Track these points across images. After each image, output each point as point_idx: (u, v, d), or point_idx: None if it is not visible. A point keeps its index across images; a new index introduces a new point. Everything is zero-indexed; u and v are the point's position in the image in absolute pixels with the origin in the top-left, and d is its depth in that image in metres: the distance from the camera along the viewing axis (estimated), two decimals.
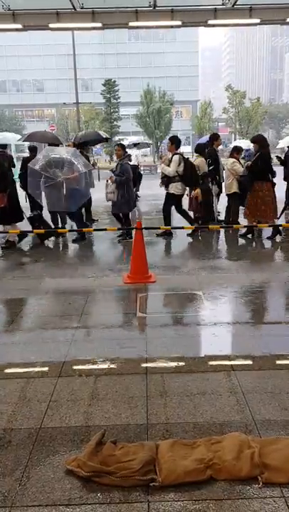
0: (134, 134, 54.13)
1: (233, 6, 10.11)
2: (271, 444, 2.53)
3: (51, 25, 10.73)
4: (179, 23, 10.72)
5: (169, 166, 8.41)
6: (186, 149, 40.48)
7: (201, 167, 8.94)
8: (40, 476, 2.41)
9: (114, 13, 10.57)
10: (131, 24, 10.78)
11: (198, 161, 9.09)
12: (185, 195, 8.95)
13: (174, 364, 3.61)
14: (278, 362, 3.62)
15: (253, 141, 8.48)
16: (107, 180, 8.50)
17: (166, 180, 8.56)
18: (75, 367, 3.61)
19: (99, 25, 10.77)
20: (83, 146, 11.10)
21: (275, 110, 66.20)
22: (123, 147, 8.82)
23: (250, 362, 3.63)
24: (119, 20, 10.81)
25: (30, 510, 2.19)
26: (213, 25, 11.04)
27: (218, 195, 9.67)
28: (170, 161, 8.43)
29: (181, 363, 3.62)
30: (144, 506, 2.19)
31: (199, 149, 9.51)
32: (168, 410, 2.96)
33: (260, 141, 8.21)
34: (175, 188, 8.47)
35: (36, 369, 3.59)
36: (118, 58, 71.49)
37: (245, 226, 8.44)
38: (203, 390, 3.20)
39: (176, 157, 8.38)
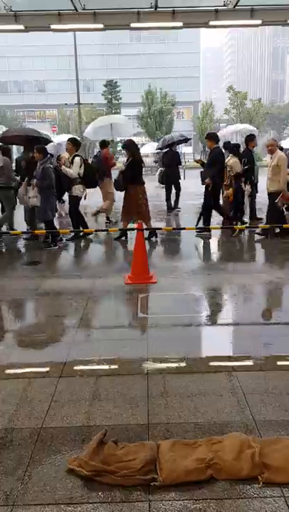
0: (136, 135, 54.11)
1: (234, 7, 10.09)
2: (271, 444, 2.54)
3: (53, 26, 10.72)
4: (180, 24, 10.71)
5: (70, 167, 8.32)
6: (187, 150, 40.54)
7: (234, 167, 8.97)
8: (42, 475, 2.42)
9: (116, 14, 10.57)
10: (132, 25, 10.77)
11: (232, 161, 9.10)
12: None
13: (174, 364, 3.62)
14: (279, 363, 3.63)
15: (124, 147, 8.46)
16: (30, 184, 8.39)
17: (68, 183, 8.47)
18: (76, 367, 3.62)
19: (100, 26, 10.76)
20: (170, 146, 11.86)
21: (276, 111, 66.07)
22: (43, 150, 8.02)
23: (250, 362, 3.64)
24: (120, 21, 10.80)
25: (32, 508, 2.21)
26: (215, 27, 11.01)
27: (250, 196, 9.75)
28: (71, 162, 8.34)
29: (182, 364, 3.63)
30: (145, 505, 2.20)
31: (233, 150, 9.51)
32: (169, 410, 2.97)
33: (131, 147, 8.22)
34: (78, 190, 8.45)
35: (38, 369, 3.61)
36: (120, 59, 71.51)
37: (247, 227, 8.46)
38: (204, 390, 3.21)
39: (77, 159, 8.34)
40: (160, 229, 8.42)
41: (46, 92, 72.39)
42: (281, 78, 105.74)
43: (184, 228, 8.63)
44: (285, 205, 8.24)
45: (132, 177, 8.04)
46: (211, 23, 10.61)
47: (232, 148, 9.63)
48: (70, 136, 12.58)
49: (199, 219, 9.00)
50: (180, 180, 12.35)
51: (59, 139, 17.48)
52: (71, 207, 8.74)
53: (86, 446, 2.59)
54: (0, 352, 3.97)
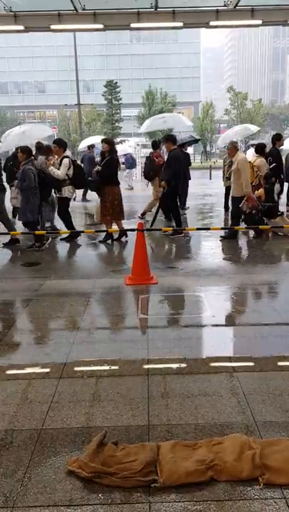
0: (136, 136, 54.13)
1: (234, 7, 10.10)
2: (272, 446, 2.53)
3: (53, 27, 10.74)
4: (180, 24, 10.72)
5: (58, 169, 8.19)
6: (189, 150, 40.46)
7: (260, 167, 8.93)
8: (42, 476, 2.41)
9: (116, 15, 10.57)
10: (132, 25, 10.78)
11: (258, 161, 9.07)
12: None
13: (175, 365, 3.61)
14: (280, 363, 3.62)
15: (104, 141, 8.48)
16: (12, 185, 8.36)
17: (57, 185, 8.35)
18: (76, 368, 3.61)
19: (100, 26, 10.78)
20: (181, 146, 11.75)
21: (276, 111, 66.13)
22: (26, 151, 7.95)
23: (251, 363, 3.63)
24: (120, 21, 10.81)
25: (32, 510, 2.20)
26: (215, 27, 11.03)
27: (279, 194, 9.82)
28: (60, 164, 8.26)
29: (183, 365, 3.62)
30: (145, 507, 2.19)
31: (259, 149, 9.48)
32: (169, 411, 2.96)
33: (110, 145, 8.21)
34: (68, 191, 8.35)
35: (38, 370, 3.60)
36: (120, 59, 71.56)
37: (247, 228, 8.44)
38: (204, 391, 3.20)
39: (65, 160, 8.23)
40: (160, 229, 8.40)
41: (46, 93, 72.46)
42: (281, 78, 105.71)
43: (184, 229, 8.62)
44: (251, 209, 8.20)
45: (109, 177, 8.00)
46: (212, 23, 10.63)
47: (258, 148, 9.62)
48: (102, 136, 12.74)
49: (177, 223, 8.98)
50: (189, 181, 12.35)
51: (91, 141, 17.55)
52: (60, 208, 8.65)
53: (86, 447, 2.58)
54: (0, 352, 3.97)
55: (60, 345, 4.06)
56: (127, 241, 8.32)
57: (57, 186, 8.42)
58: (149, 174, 10.42)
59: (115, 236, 8.42)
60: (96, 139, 18.10)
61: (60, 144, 8.50)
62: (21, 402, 3.13)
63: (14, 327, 4.58)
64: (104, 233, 8.41)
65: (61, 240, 8.62)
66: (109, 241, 8.41)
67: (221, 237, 8.40)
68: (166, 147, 9.07)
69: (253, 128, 15.84)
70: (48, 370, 3.60)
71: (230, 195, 8.25)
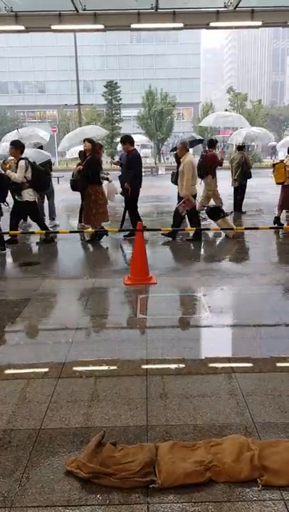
0: (135, 136, 54.05)
1: (234, 8, 10.11)
2: (271, 447, 2.53)
3: (53, 27, 10.74)
4: (180, 25, 10.73)
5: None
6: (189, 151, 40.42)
7: None
8: (40, 477, 2.41)
9: (117, 15, 10.58)
10: (133, 26, 10.79)
11: None
12: None
13: (174, 366, 3.61)
14: (278, 364, 3.62)
15: (86, 140, 8.43)
16: None
17: (16, 188, 8.04)
18: (75, 368, 3.61)
19: (101, 27, 10.78)
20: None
21: (276, 112, 66.12)
22: None
23: (250, 364, 3.63)
24: (121, 22, 10.82)
25: (30, 510, 2.19)
26: (215, 28, 11.04)
27: None
28: (16, 166, 7.96)
29: (181, 365, 3.62)
30: (143, 508, 2.19)
31: None
32: (168, 412, 2.96)
33: (92, 145, 8.15)
34: (28, 195, 8.05)
35: (36, 370, 3.60)
36: (120, 60, 71.56)
37: (246, 228, 8.45)
38: (203, 392, 3.20)
39: (21, 162, 7.85)
40: (159, 230, 8.40)
41: (46, 93, 72.42)
42: (281, 80, 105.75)
43: (183, 229, 8.61)
44: (186, 212, 8.22)
45: (90, 176, 7.94)
46: (212, 24, 10.64)
47: None
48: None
49: (123, 222, 9.00)
50: None
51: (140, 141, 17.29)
52: (29, 213, 8.50)
53: (84, 447, 2.58)
54: None
55: (59, 345, 4.05)
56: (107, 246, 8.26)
57: (16, 190, 8.07)
58: (202, 172, 10.48)
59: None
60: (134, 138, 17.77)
61: (17, 146, 8.06)
62: (20, 402, 3.12)
63: (13, 326, 4.57)
64: (98, 233, 8.33)
65: (38, 243, 8.50)
66: (101, 240, 8.40)
67: (187, 239, 8.43)
68: (124, 148, 8.79)
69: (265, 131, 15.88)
70: (46, 369, 3.59)
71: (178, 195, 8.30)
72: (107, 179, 9.81)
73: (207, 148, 10.89)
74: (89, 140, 8.50)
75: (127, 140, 8.69)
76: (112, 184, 9.97)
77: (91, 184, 8.02)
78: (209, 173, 10.56)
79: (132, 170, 8.56)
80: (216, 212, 8.70)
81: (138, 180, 8.68)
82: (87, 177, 7.97)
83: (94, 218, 8.21)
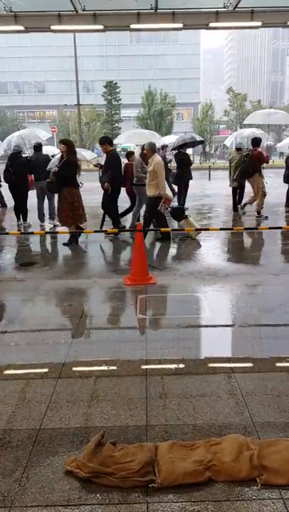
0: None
1: (234, 8, 10.12)
2: (270, 446, 2.53)
3: (53, 27, 10.74)
4: (180, 25, 10.73)
5: None
6: (186, 151, 40.46)
7: None
8: (40, 476, 2.41)
9: (116, 16, 10.58)
10: (132, 26, 10.79)
11: None
12: None
13: (173, 366, 3.61)
14: (278, 364, 3.62)
15: (62, 141, 8.36)
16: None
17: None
18: (74, 368, 3.62)
19: (100, 27, 10.78)
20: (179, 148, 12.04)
21: None
22: None
23: (249, 364, 3.64)
24: (120, 22, 10.81)
25: (30, 510, 2.19)
26: (215, 28, 11.04)
27: None
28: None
29: (181, 365, 3.62)
30: (143, 507, 2.19)
31: None
32: (167, 412, 2.96)
33: (68, 146, 8.06)
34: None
35: (36, 370, 3.60)
36: (119, 60, 71.61)
37: (246, 229, 8.46)
38: (202, 391, 3.20)
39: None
40: (158, 230, 8.40)
41: (46, 93, 72.46)
42: (281, 80, 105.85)
43: (183, 229, 8.62)
44: (166, 209, 8.22)
45: (66, 178, 7.87)
46: (211, 24, 10.64)
47: None
48: (175, 136, 12.77)
49: (115, 223, 8.92)
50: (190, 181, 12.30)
51: (168, 140, 17.37)
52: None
53: (84, 447, 2.58)
54: None
55: (59, 345, 4.06)
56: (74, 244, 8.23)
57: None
58: (248, 171, 10.71)
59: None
60: (169, 139, 17.71)
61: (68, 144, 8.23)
62: (19, 402, 3.13)
63: (12, 326, 4.57)
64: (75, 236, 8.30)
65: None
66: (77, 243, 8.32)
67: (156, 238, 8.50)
68: (103, 149, 8.76)
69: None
70: (46, 369, 3.60)
71: (147, 195, 8.15)
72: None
73: (252, 147, 10.95)
74: (64, 141, 8.32)
75: (106, 141, 8.72)
76: None
77: (66, 186, 7.93)
78: (256, 170, 10.74)
79: (111, 170, 8.56)
80: (178, 213, 8.67)
81: (118, 180, 8.69)
82: (63, 179, 7.90)
83: (70, 220, 8.09)
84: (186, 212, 8.87)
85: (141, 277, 5.86)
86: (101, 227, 9.04)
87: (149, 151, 8.09)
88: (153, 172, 7.86)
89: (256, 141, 10.92)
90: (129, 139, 15.77)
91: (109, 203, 8.83)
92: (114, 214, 9.01)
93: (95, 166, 10.30)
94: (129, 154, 10.56)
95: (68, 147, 8.04)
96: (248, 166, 10.67)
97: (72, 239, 8.31)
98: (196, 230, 8.41)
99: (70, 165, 7.89)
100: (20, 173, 9.71)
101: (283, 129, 66.10)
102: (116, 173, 8.67)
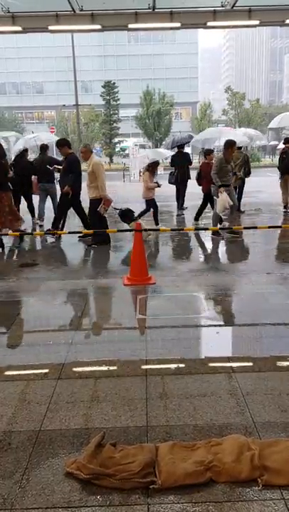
0: (134, 136, 54.11)
1: (232, 7, 10.12)
2: (271, 446, 2.52)
3: (51, 28, 10.73)
4: (178, 24, 10.73)
5: None
6: (186, 150, 40.50)
7: None
8: (40, 478, 2.40)
9: (114, 15, 10.58)
10: (130, 26, 10.79)
11: None
12: None
13: (173, 366, 3.60)
14: (278, 363, 3.61)
15: None
16: None
17: None
18: (74, 369, 3.61)
19: (98, 27, 10.78)
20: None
21: (274, 111, 66.01)
22: None
23: (250, 364, 3.63)
24: (118, 22, 10.81)
25: None
26: (213, 27, 11.04)
27: None
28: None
29: (181, 365, 3.62)
30: (143, 509, 2.18)
31: None
32: (168, 412, 2.95)
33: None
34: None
35: (36, 371, 3.59)
36: (118, 60, 71.59)
37: (245, 228, 8.44)
38: (203, 392, 3.20)
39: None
40: (158, 230, 8.39)
41: (44, 94, 72.43)
42: (279, 79, 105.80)
43: (182, 229, 8.62)
44: (106, 210, 8.11)
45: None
46: (209, 23, 10.64)
47: None
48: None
49: (56, 222, 8.78)
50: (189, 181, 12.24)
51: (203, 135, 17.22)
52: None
53: (84, 448, 2.57)
54: None
55: (59, 346, 4.05)
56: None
57: None
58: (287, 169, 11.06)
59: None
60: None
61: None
62: (19, 403, 3.11)
63: (12, 328, 4.56)
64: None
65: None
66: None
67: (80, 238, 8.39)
68: (61, 152, 8.63)
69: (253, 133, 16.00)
70: (46, 370, 3.59)
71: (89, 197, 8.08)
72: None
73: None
74: None
75: (65, 143, 8.57)
76: None
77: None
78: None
79: (72, 173, 8.38)
80: (127, 215, 8.58)
81: (78, 184, 8.53)
82: None
83: (5, 222, 7.86)
84: (135, 214, 8.76)
85: (140, 277, 5.85)
86: (85, 227, 8.80)
87: (86, 151, 7.96)
88: (92, 173, 7.74)
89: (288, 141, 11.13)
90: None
91: (65, 204, 8.61)
92: (62, 215, 8.79)
93: (52, 169, 10.10)
94: (208, 152, 10.40)
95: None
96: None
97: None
98: (144, 230, 8.16)
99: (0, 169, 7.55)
100: (23, 175, 9.70)
101: (282, 128, 66.15)
102: (78, 177, 8.46)
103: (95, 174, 7.73)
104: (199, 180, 10.11)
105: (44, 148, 10.63)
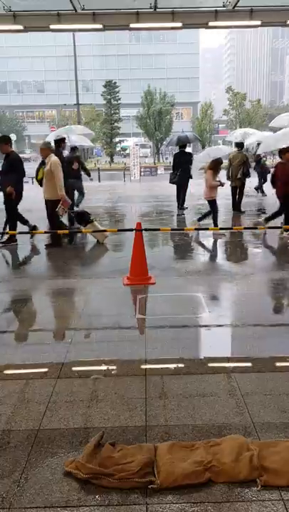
0: (135, 136, 54.17)
1: (233, 7, 10.13)
2: (270, 447, 2.52)
3: (52, 27, 10.75)
4: (179, 24, 10.74)
5: None
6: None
7: None
8: (39, 477, 2.40)
9: (115, 15, 10.60)
10: (132, 25, 10.81)
11: None
12: None
13: (173, 366, 3.60)
14: (277, 364, 3.61)
15: None
16: None
17: None
18: (74, 368, 3.60)
19: (100, 26, 10.79)
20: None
21: (275, 112, 66.12)
22: None
23: (249, 364, 3.62)
24: (120, 21, 10.83)
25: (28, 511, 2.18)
26: (214, 27, 11.04)
27: None
28: None
29: (180, 365, 3.61)
30: (142, 509, 2.18)
31: None
32: (167, 412, 2.95)
33: None
34: None
35: (35, 370, 3.59)
36: (119, 60, 71.63)
37: (245, 228, 8.45)
38: (202, 392, 3.19)
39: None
40: (158, 229, 8.39)
41: (45, 93, 72.49)
42: (280, 79, 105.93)
43: (182, 229, 8.61)
44: (65, 212, 8.00)
45: None
46: (211, 23, 10.65)
47: None
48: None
49: (5, 226, 8.47)
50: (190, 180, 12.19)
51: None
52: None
53: (83, 448, 2.57)
54: None
55: (58, 345, 4.05)
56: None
57: None
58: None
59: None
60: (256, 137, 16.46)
61: None
62: (18, 402, 3.11)
63: (11, 327, 4.56)
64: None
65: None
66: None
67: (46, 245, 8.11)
68: (1, 150, 8.03)
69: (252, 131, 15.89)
70: (45, 370, 3.58)
71: (44, 198, 7.81)
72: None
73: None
74: None
75: (6, 140, 8.10)
76: None
77: None
78: None
79: (15, 173, 7.98)
80: (82, 218, 8.44)
81: (21, 184, 8.22)
82: None
83: None
84: (92, 217, 8.56)
85: (140, 277, 5.85)
86: (4, 228, 8.43)
87: (45, 149, 7.77)
88: (50, 172, 7.57)
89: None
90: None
91: (13, 207, 8.24)
92: (16, 218, 8.41)
93: None
94: (283, 152, 8.74)
95: None
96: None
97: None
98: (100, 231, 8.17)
99: None
100: None
101: (281, 128, 66.17)
102: (20, 176, 8.10)
103: (53, 173, 7.53)
104: (274, 183, 8.99)
105: (73, 148, 10.78)
